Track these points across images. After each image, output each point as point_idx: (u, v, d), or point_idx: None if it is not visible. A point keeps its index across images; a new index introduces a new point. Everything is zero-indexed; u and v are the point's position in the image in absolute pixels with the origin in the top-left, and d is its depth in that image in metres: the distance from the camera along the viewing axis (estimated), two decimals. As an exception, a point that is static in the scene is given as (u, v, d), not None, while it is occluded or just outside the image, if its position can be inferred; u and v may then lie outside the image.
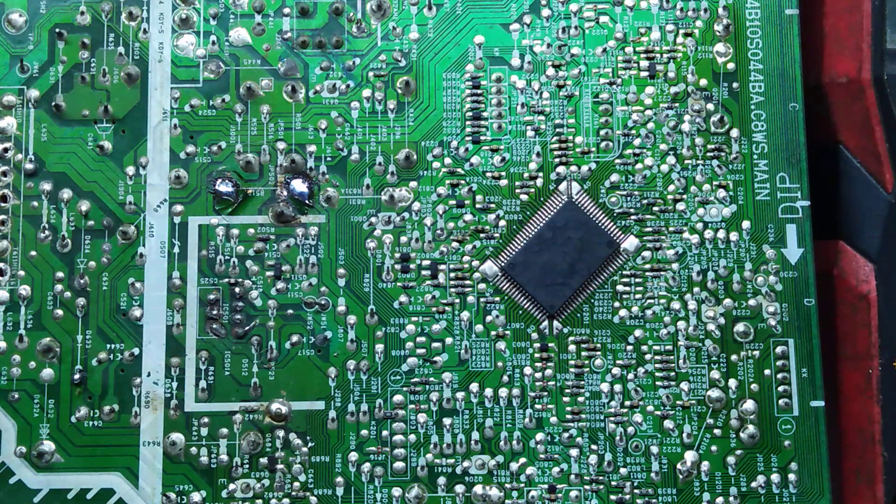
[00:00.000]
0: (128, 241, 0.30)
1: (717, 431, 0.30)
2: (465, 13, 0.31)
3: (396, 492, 0.29)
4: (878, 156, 0.31)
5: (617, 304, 0.30)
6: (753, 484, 0.30)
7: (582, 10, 0.31)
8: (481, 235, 0.30)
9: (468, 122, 0.31)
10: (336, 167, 0.30)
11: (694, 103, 0.31)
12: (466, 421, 0.30)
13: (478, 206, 0.30)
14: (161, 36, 0.31)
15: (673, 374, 0.30)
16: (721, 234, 0.30)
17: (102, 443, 0.29)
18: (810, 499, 0.30)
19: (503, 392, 0.30)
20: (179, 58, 0.31)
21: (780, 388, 0.30)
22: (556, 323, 0.30)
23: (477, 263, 0.30)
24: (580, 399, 0.30)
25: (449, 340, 0.30)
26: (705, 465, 0.30)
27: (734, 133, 0.31)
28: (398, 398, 0.30)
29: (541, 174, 0.31)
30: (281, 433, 0.29)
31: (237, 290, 0.30)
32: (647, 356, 0.30)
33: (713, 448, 0.30)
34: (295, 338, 0.30)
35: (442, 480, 0.29)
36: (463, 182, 0.30)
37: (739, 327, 0.30)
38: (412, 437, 0.30)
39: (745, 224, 0.30)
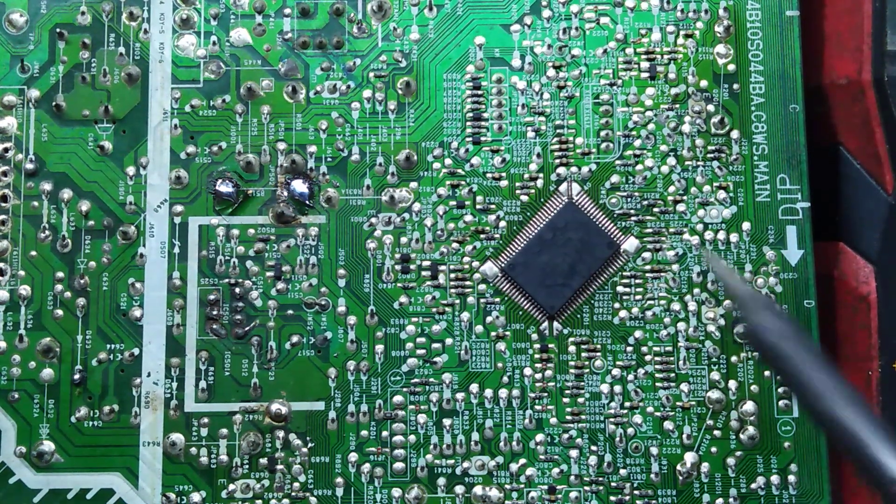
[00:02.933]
0: (128, 241, 0.30)
1: (716, 433, 0.30)
2: (465, 14, 0.31)
3: (396, 492, 0.29)
4: (878, 157, 0.31)
5: (617, 305, 0.30)
6: (753, 485, 0.30)
7: (583, 11, 0.31)
8: (481, 236, 0.30)
9: (469, 123, 0.31)
10: (336, 168, 0.30)
11: (694, 104, 0.31)
12: (466, 422, 0.30)
13: (478, 206, 0.30)
14: (162, 36, 0.31)
15: (673, 375, 0.30)
16: (721, 235, 0.30)
17: (102, 443, 0.29)
18: (810, 500, 0.30)
19: (503, 393, 0.30)
20: (180, 58, 0.31)
21: (780, 390, 0.30)
22: (556, 324, 0.30)
23: (477, 264, 0.30)
24: (580, 400, 0.30)
25: (449, 341, 0.30)
26: (705, 467, 0.30)
27: (734, 134, 0.31)
28: (398, 399, 0.30)
29: (541, 175, 0.31)
30: (281, 434, 0.29)
31: (237, 290, 0.30)
32: (647, 357, 0.30)
33: (713, 449, 0.30)
34: (295, 338, 0.30)
35: (442, 481, 0.29)
36: (463, 183, 0.31)
37: (739, 329, 0.30)
38: (412, 438, 0.30)
39: (746, 225, 0.30)
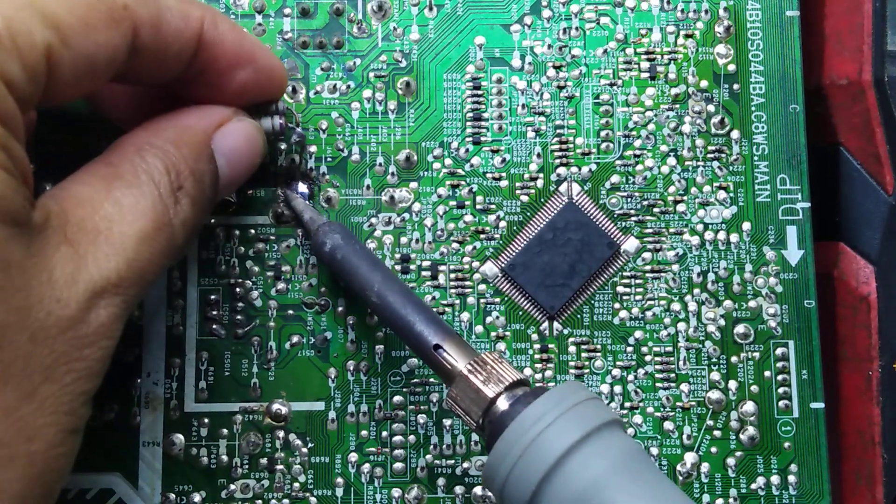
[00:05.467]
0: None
1: (716, 433, 0.30)
2: (465, 14, 0.31)
3: (396, 492, 0.29)
4: (878, 157, 0.31)
5: (617, 305, 0.30)
6: (753, 485, 0.30)
7: (583, 11, 0.31)
8: (481, 236, 0.30)
9: (469, 123, 0.31)
10: (336, 168, 0.30)
11: (694, 105, 0.31)
12: (466, 422, 0.30)
13: (478, 206, 0.30)
14: (162, 36, 0.31)
15: (673, 375, 0.30)
16: (721, 235, 0.30)
17: (102, 443, 0.29)
18: (810, 500, 0.30)
19: (503, 393, 0.30)
20: (180, 58, 0.31)
21: (780, 390, 0.30)
22: (556, 324, 0.30)
23: (477, 264, 0.30)
24: (580, 400, 0.30)
25: (449, 341, 0.30)
26: (705, 467, 0.30)
27: (735, 134, 0.31)
28: (398, 399, 0.30)
29: (541, 175, 0.31)
30: (281, 434, 0.29)
31: (237, 290, 0.30)
32: (648, 357, 0.30)
33: (713, 449, 0.30)
34: (295, 338, 0.30)
35: (441, 481, 0.29)
36: (463, 183, 0.30)
37: (739, 329, 0.30)
38: (412, 438, 0.30)
39: (746, 225, 0.30)
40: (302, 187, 0.30)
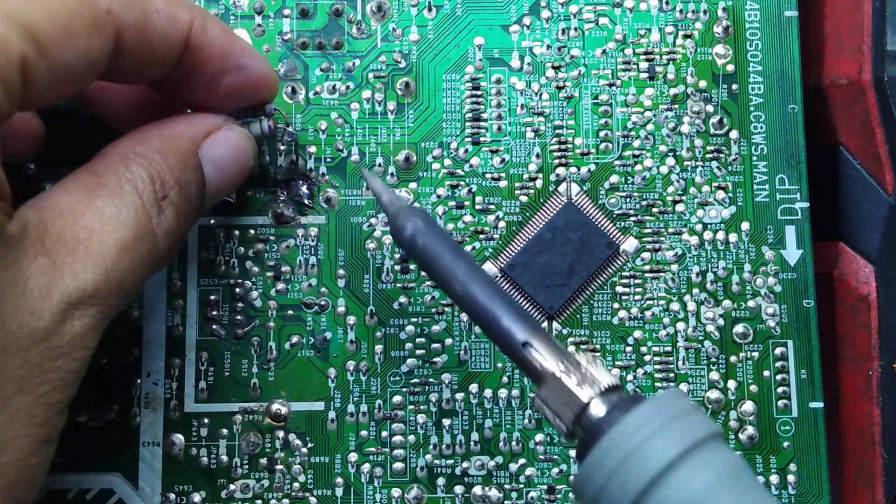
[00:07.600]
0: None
1: (716, 433, 0.30)
2: (464, 14, 0.31)
3: (396, 492, 0.29)
4: (878, 157, 0.31)
5: (616, 305, 0.30)
6: (753, 485, 0.30)
7: (581, 12, 0.31)
8: (481, 236, 0.30)
9: (468, 124, 0.31)
10: (336, 168, 0.31)
11: (693, 105, 0.31)
12: (466, 422, 0.30)
13: (477, 207, 0.30)
14: (162, 37, 0.31)
15: (672, 375, 0.30)
16: (720, 235, 0.30)
17: (102, 443, 0.29)
18: (809, 500, 0.30)
19: (503, 393, 0.30)
20: (180, 59, 0.31)
21: (780, 390, 0.30)
22: (555, 324, 0.30)
23: (476, 264, 0.30)
24: (579, 400, 0.30)
25: (448, 341, 0.30)
26: (704, 467, 0.30)
27: (733, 135, 0.31)
28: (398, 399, 0.30)
29: (540, 175, 0.31)
30: (280, 434, 0.29)
31: (237, 290, 0.30)
32: (647, 357, 0.30)
33: (712, 449, 0.30)
34: (295, 338, 0.30)
35: (441, 481, 0.30)
36: (462, 183, 0.31)
37: (738, 328, 0.30)
38: (411, 438, 0.30)
39: (745, 225, 0.30)
40: (301, 187, 0.30)
